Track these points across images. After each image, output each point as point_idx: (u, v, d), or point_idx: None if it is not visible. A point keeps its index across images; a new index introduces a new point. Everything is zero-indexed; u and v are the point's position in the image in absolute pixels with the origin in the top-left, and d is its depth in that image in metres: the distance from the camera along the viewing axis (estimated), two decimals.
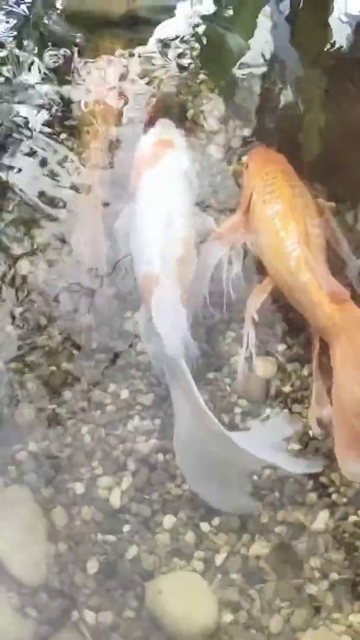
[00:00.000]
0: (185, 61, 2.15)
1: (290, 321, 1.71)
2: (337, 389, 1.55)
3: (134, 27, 2.23)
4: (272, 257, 1.72)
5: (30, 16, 2.24)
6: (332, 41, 2.21)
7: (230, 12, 2.25)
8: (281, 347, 1.70)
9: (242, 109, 2.08)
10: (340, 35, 2.21)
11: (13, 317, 1.73)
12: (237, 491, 1.51)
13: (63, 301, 1.76)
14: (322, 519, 1.49)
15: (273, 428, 1.58)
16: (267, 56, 2.17)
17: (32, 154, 1.97)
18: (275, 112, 2.11)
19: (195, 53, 2.17)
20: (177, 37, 2.20)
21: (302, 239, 1.67)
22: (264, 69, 2.16)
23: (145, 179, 1.81)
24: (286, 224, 1.70)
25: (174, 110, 2.06)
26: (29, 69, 2.13)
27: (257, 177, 1.82)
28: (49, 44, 2.18)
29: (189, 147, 1.93)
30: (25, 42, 2.19)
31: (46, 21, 2.24)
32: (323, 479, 1.53)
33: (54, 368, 1.67)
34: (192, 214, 1.78)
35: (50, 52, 2.14)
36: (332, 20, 2.25)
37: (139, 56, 2.15)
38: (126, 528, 1.50)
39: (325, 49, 2.20)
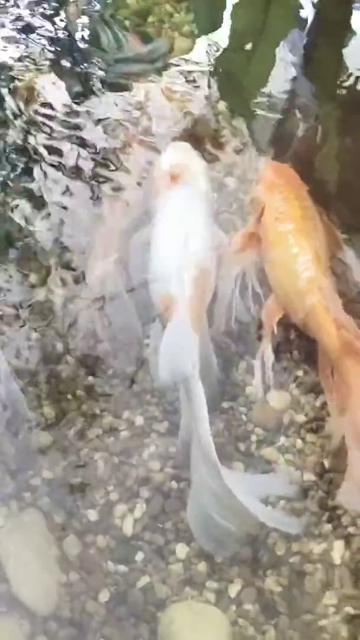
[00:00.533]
0: (204, 92, 2.18)
1: (305, 351, 1.71)
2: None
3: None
4: (281, 275, 1.72)
5: None
6: (347, 73, 2.23)
7: (249, 46, 2.28)
8: (296, 376, 1.70)
9: (259, 139, 2.10)
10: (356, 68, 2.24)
11: (30, 343, 1.73)
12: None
13: (80, 328, 1.76)
14: (337, 551, 1.48)
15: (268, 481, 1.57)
16: (285, 87, 2.20)
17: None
18: (291, 142, 2.12)
19: (214, 83, 2.19)
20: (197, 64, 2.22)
21: (315, 260, 1.68)
22: (282, 98, 2.18)
23: (163, 199, 1.83)
24: (299, 242, 1.71)
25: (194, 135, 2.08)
26: None
27: (269, 193, 1.83)
28: None
29: (206, 169, 1.94)
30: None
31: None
32: (339, 511, 1.51)
33: (69, 395, 1.67)
34: (209, 235, 1.79)
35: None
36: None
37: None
38: (139, 557, 1.48)
39: (341, 81, 2.23)
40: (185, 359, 1.52)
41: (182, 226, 1.75)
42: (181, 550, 1.48)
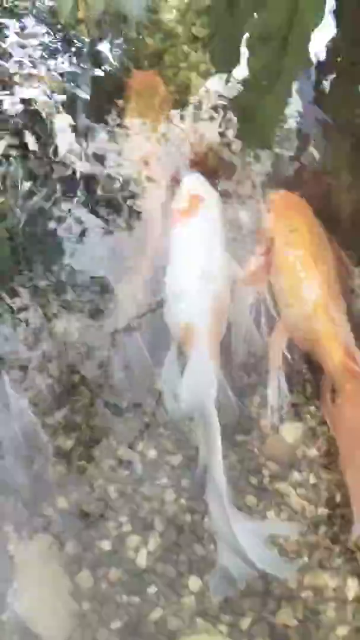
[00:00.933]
0: (219, 127, 2.21)
1: (318, 384, 1.72)
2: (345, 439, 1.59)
3: None
4: (289, 301, 1.75)
5: None
6: None
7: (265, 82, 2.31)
8: (309, 410, 1.71)
9: (273, 172, 2.13)
10: None
11: (47, 374, 1.75)
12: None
13: (95, 359, 1.78)
14: (350, 586, 1.48)
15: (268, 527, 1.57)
16: (299, 122, 2.23)
17: None
18: (305, 175, 2.15)
19: (229, 119, 2.23)
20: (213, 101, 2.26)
21: (322, 286, 1.70)
22: (296, 132, 2.21)
23: (179, 230, 1.87)
24: (307, 269, 1.74)
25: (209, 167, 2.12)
26: None
27: (279, 220, 1.86)
28: None
29: (219, 200, 1.98)
30: None
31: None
32: (350, 545, 1.52)
33: (84, 425, 1.69)
34: (224, 264, 1.82)
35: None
36: None
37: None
38: (152, 589, 1.49)
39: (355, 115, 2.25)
40: (205, 389, 1.57)
41: (199, 256, 1.80)
42: (194, 583, 1.49)
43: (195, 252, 1.82)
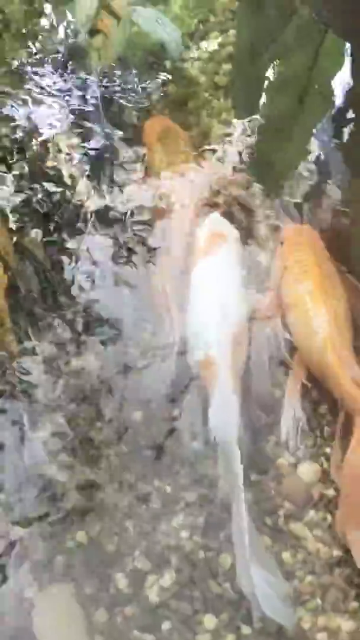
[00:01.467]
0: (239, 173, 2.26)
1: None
2: (351, 467, 1.60)
3: None
4: (301, 334, 1.78)
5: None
6: None
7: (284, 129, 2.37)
8: (326, 450, 1.71)
9: (291, 215, 2.17)
10: None
11: (65, 410, 1.77)
12: None
13: (113, 394, 1.81)
14: None
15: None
16: (318, 165, 2.27)
17: None
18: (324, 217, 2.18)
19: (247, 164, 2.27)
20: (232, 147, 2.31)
21: (332, 320, 1.73)
22: (314, 176, 2.25)
23: (200, 266, 1.92)
24: (316, 303, 1.77)
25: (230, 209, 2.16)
26: None
27: (290, 254, 1.90)
28: None
29: (239, 238, 2.02)
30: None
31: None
32: None
33: (102, 461, 1.70)
34: (244, 300, 1.87)
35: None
36: None
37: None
38: (166, 626, 1.49)
39: None
40: (229, 426, 1.62)
41: (219, 293, 1.85)
42: (209, 620, 1.49)
43: (215, 289, 1.87)
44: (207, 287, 1.88)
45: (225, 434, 1.61)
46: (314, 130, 2.32)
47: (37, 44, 2.52)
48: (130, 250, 2.04)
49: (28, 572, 1.54)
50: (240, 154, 2.27)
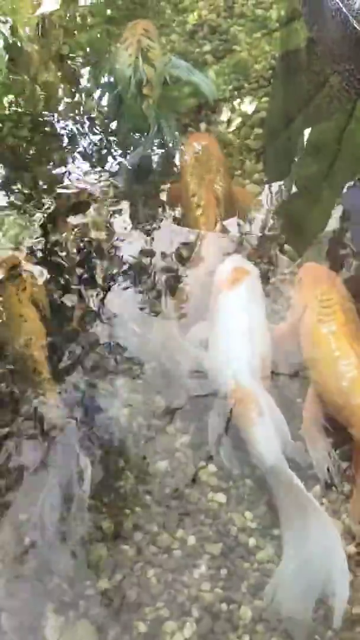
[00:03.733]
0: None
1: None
2: None
3: None
4: (324, 373, 1.81)
5: None
6: None
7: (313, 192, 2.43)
8: (347, 507, 1.72)
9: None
10: None
11: (93, 457, 1.80)
12: None
13: (138, 444, 1.84)
14: None
15: None
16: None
17: None
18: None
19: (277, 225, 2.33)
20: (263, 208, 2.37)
21: (358, 363, 1.76)
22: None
23: (224, 299, 1.99)
24: (342, 347, 1.80)
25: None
26: None
27: (312, 295, 1.94)
28: None
29: (259, 276, 2.09)
30: None
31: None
32: None
33: (127, 510, 1.73)
34: (267, 329, 1.94)
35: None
36: None
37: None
38: None
39: None
40: (280, 442, 1.72)
41: (246, 321, 1.92)
42: None
43: (242, 318, 1.93)
44: (233, 318, 1.94)
45: (278, 451, 1.69)
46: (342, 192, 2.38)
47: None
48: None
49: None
50: (270, 214, 2.33)
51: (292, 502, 1.63)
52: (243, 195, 2.35)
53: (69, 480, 1.71)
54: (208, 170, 2.30)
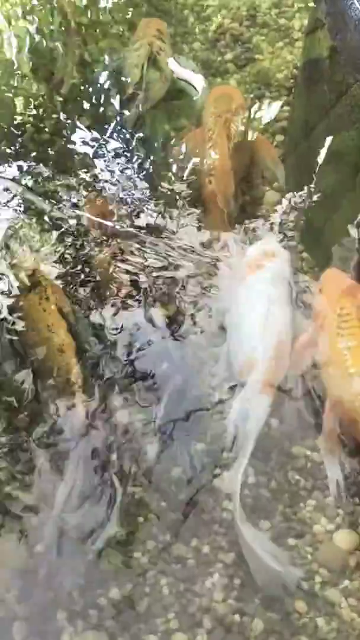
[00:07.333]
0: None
1: None
2: None
3: None
4: (338, 389, 1.79)
5: None
6: None
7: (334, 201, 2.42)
8: None
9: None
10: None
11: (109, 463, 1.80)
12: None
13: (152, 452, 1.82)
14: None
15: None
16: None
17: None
18: None
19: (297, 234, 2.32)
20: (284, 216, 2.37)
21: None
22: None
23: (250, 280, 2.02)
24: (357, 362, 1.78)
25: None
26: None
27: (332, 307, 1.91)
28: None
29: (290, 260, 2.10)
30: None
31: None
32: None
33: (140, 517, 1.72)
34: (289, 311, 1.95)
35: None
36: None
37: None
38: None
39: None
40: (251, 418, 1.74)
41: (266, 300, 1.94)
42: None
43: (263, 300, 1.94)
44: (256, 297, 1.96)
45: (245, 425, 1.73)
46: None
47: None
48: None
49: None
50: (291, 222, 2.32)
51: None
52: (267, 147, 2.41)
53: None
54: (227, 109, 2.39)
